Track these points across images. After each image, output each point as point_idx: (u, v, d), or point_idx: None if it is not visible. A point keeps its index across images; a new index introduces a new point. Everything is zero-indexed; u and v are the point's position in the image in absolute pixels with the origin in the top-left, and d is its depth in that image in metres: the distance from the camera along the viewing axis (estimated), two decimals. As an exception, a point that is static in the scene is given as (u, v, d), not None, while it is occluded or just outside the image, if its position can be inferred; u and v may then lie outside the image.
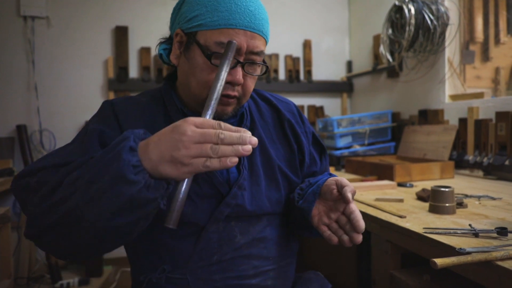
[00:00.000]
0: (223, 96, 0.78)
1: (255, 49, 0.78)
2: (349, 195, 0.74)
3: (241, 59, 0.78)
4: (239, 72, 0.77)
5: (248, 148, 0.60)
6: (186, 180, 0.61)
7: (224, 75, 0.70)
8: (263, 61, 0.83)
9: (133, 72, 2.73)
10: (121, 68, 2.67)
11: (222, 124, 0.61)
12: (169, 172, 0.59)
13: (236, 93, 0.80)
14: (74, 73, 2.64)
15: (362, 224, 0.73)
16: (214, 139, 0.58)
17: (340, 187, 0.76)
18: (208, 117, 0.65)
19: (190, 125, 0.59)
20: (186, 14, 0.80)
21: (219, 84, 0.69)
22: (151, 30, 2.76)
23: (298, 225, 0.92)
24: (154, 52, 2.75)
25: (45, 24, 2.56)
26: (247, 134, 0.61)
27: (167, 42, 0.89)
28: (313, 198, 0.82)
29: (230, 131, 0.60)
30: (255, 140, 0.61)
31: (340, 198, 0.77)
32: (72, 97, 2.63)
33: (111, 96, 2.64)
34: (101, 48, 2.69)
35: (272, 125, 0.96)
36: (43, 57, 2.56)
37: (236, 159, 0.60)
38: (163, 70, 2.72)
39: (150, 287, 0.82)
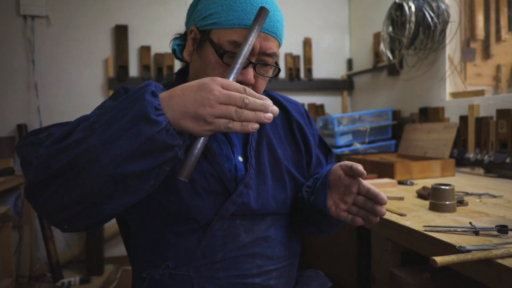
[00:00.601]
0: None
1: (267, 50, 0.79)
2: (361, 168, 0.74)
3: (253, 60, 0.78)
4: (250, 72, 0.78)
5: (269, 116, 0.61)
6: (203, 137, 0.62)
7: (253, 39, 0.69)
8: (275, 63, 0.83)
9: (133, 71, 2.73)
10: (121, 67, 2.67)
11: (247, 88, 0.61)
12: (190, 127, 0.59)
13: None
14: (74, 72, 2.64)
15: (383, 195, 0.73)
16: (239, 102, 0.59)
17: (346, 168, 0.76)
18: (231, 79, 0.65)
19: (217, 85, 0.59)
20: (202, 11, 0.81)
21: (246, 48, 0.68)
22: (151, 29, 2.75)
23: (310, 222, 0.92)
24: (154, 50, 2.75)
25: (45, 23, 2.56)
26: (268, 102, 0.62)
27: (182, 38, 0.90)
28: (324, 190, 0.80)
29: (254, 97, 0.61)
30: (276, 109, 0.62)
31: (350, 181, 0.77)
32: (72, 96, 2.63)
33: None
34: (101, 47, 2.68)
35: (281, 125, 0.96)
36: (43, 56, 2.56)
37: (257, 125, 0.61)
38: (163, 69, 2.72)
39: (152, 283, 0.82)
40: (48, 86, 2.58)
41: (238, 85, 0.61)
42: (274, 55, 0.81)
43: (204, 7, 0.81)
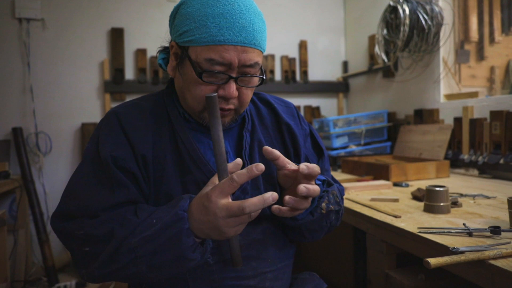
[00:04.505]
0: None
1: (247, 62, 0.77)
2: (276, 154, 0.78)
3: (234, 74, 0.77)
4: (231, 86, 0.77)
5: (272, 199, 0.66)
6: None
7: (220, 135, 0.71)
8: (261, 69, 0.82)
9: (129, 73, 2.72)
10: (117, 69, 2.66)
11: (234, 176, 0.67)
12: (220, 238, 0.70)
13: (231, 106, 0.80)
14: (70, 75, 2.63)
15: (314, 167, 0.75)
16: (240, 213, 0.66)
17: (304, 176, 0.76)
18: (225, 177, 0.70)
19: (217, 202, 0.67)
20: (178, 27, 0.79)
21: (221, 147, 0.71)
22: (146, 31, 2.75)
23: (291, 229, 0.91)
24: (150, 53, 2.75)
25: (40, 26, 2.56)
26: (267, 195, 0.66)
27: (165, 51, 0.89)
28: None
29: (252, 202, 0.66)
30: (275, 196, 0.67)
31: (295, 175, 0.80)
32: (68, 99, 2.62)
33: (107, 98, 2.63)
34: (96, 50, 2.68)
35: (271, 128, 0.96)
36: (38, 59, 2.55)
37: (275, 195, 0.66)
38: (159, 72, 2.72)
39: (149, 285, 0.83)
40: (43, 89, 2.57)
41: (226, 183, 0.67)
42: (255, 64, 0.79)
43: (179, 23, 0.79)
